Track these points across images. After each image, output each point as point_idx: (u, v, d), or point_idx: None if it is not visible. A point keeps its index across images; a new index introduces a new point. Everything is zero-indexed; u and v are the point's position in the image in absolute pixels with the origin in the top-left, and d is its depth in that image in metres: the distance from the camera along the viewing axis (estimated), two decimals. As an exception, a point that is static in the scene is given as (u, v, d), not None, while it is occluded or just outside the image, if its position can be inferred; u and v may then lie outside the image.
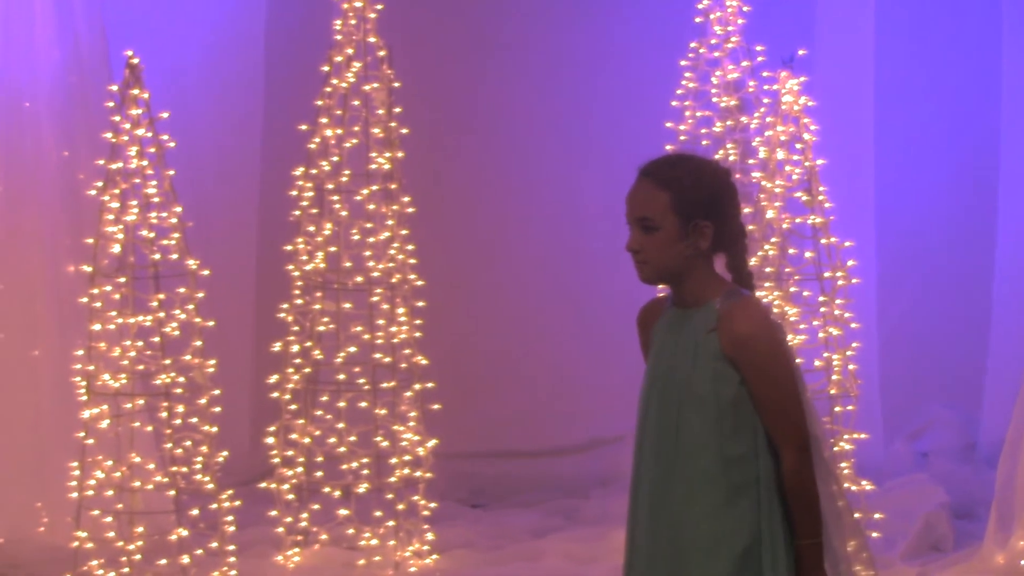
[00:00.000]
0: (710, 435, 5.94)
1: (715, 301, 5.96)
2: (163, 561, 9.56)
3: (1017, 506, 9.52)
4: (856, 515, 9.03)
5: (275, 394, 10.41)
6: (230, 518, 9.70)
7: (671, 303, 6.10)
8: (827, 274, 9.72)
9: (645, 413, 6.13)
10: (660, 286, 6.34)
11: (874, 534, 9.54)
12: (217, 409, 9.76)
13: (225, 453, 9.84)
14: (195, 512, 9.61)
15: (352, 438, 10.36)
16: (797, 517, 5.95)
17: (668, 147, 10.09)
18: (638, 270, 6.02)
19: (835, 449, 9.41)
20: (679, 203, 5.91)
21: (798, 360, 6.98)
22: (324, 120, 10.27)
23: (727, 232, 6.01)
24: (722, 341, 5.91)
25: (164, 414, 9.58)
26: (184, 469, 9.64)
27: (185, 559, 9.49)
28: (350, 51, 10.34)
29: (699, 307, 5.99)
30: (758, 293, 9.23)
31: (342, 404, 10.34)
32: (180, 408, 9.64)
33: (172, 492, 9.55)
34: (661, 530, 6.07)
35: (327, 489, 10.33)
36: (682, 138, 10.40)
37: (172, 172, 9.60)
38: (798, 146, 9.70)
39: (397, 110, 10.44)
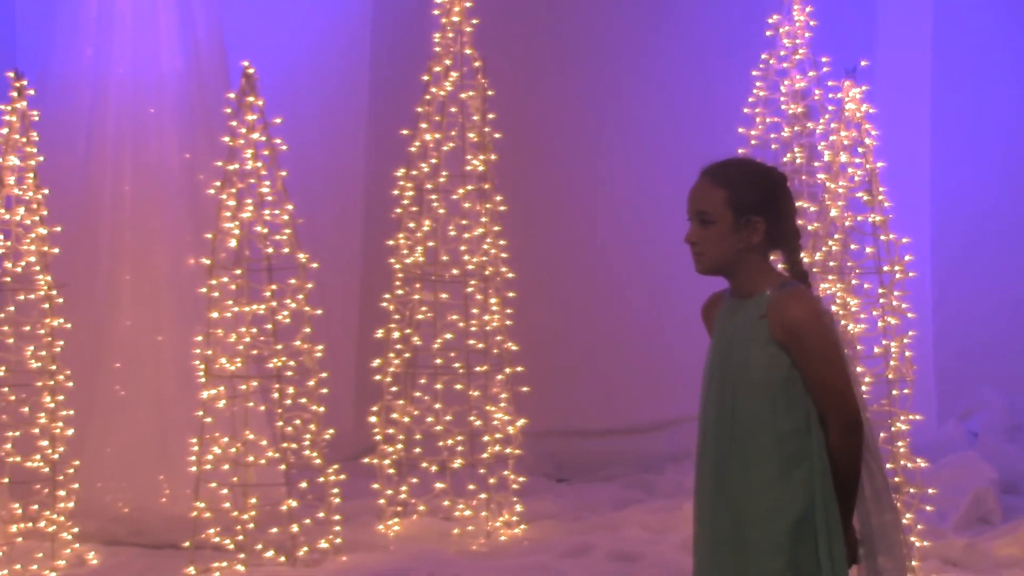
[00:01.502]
0: (764, 414, 6.04)
1: (768, 292, 6.06)
2: (274, 530, 9.64)
3: None
4: (911, 490, 9.29)
5: (377, 377, 10.50)
6: (336, 490, 9.85)
7: (729, 295, 6.23)
8: (886, 268, 9.64)
9: (706, 396, 6.24)
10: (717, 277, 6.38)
11: (928, 508, 9.50)
12: (324, 390, 9.89)
13: (331, 431, 10.00)
14: (304, 485, 9.81)
15: (448, 417, 10.45)
16: (841, 484, 6.08)
17: (740, 151, 10.23)
18: (695, 261, 6.13)
19: (892, 429, 9.44)
20: (733, 200, 6.02)
21: (859, 347, 7.14)
22: (424, 125, 10.34)
23: (780, 230, 6.10)
24: (772, 327, 6.00)
25: (276, 395, 9.76)
26: (294, 445, 9.81)
27: (294, 528, 9.58)
28: (448, 62, 10.40)
29: (752, 298, 6.10)
30: (823, 286, 9.30)
31: (439, 386, 10.46)
32: (290, 389, 9.78)
33: (283, 466, 9.68)
34: (722, 502, 6.17)
35: (424, 464, 10.41)
36: (753, 142, 10.42)
37: (284, 173, 9.75)
38: (860, 150, 9.67)
39: (491, 116, 10.49)
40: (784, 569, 6.09)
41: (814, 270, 9.09)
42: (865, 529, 6.30)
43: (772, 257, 6.21)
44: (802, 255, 6.23)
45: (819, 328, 6.01)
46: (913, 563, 6.97)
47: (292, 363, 9.87)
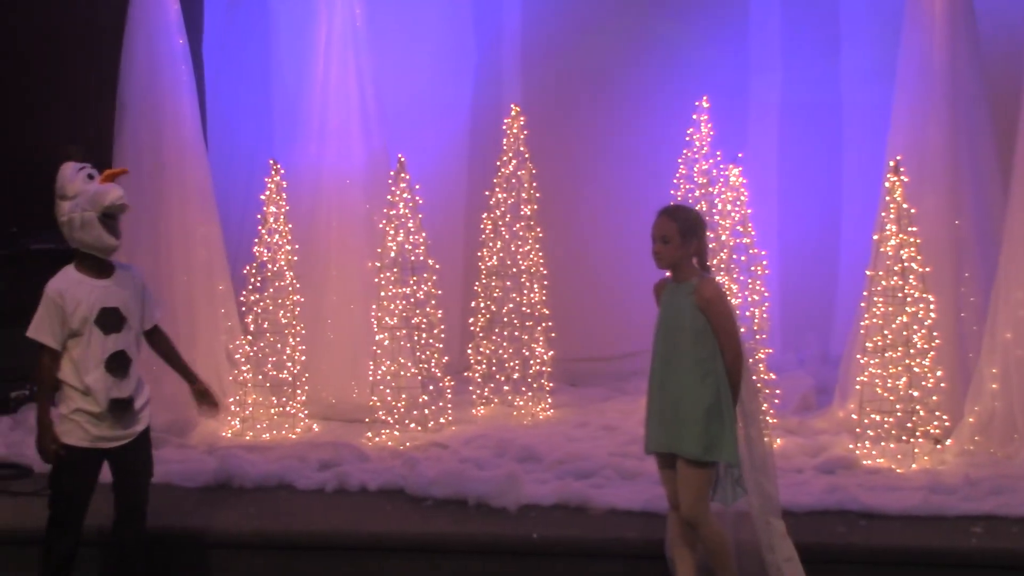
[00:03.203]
0: (689, 347, 6.59)
1: (693, 279, 6.63)
2: (414, 412, 9.89)
3: (848, 387, 9.58)
4: (766, 391, 9.39)
5: (472, 328, 10.67)
6: (448, 391, 10.15)
7: (671, 280, 6.74)
8: (752, 268, 9.80)
9: (657, 337, 6.77)
10: (667, 272, 6.74)
11: (776, 401, 9.70)
12: (442, 335, 10.12)
13: (446, 357, 10.23)
14: (431, 387, 9.99)
15: (510, 350, 10.51)
16: (732, 386, 6.59)
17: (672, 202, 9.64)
18: (657, 261, 6.67)
19: (756, 357, 9.42)
20: (681, 229, 6.58)
21: (737, 313, 7.26)
22: (497, 188, 10.58)
23: (700, 246, 6.66)
24: (696, 299, 6.55)
25: (415, 336, 9.96)
26: (424, 365, 10.00)
27: (426, 411, 9.92)
28: (511, 154, 10.61)
29: (685, 282, 6.64)
30: (718, 278, 9.21)
31: (505, 333, 10.52)
32: (424, 335, 9.99)
33: (419, 376, 9.95)
34: (666, 397, 6.69)
35: (498, 376, 10.57)
36: (679, 197, 10.17)
37: (421, 216, 10.00)
38: (738, 202, 9.78)
39: (534, 184, 10.50)
40: (702, 432, 6.54)
41: (714, 269, 8.88)
42: (748, 416, 6.67)
43: (694, 260, 6.68)
44: (708, 259, 6.77)
45: (721, 300, 6.57)
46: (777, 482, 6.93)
47: (424, 319, 9.97)
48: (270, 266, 10.03)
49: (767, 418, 8.57)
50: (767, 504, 6.68)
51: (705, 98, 10.28)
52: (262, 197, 10.12)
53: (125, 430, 6.74)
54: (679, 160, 10.32)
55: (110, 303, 6.68)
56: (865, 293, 9.13)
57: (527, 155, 10.57)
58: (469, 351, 10.70)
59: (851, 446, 9.09)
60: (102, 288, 6.68)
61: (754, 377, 6.75)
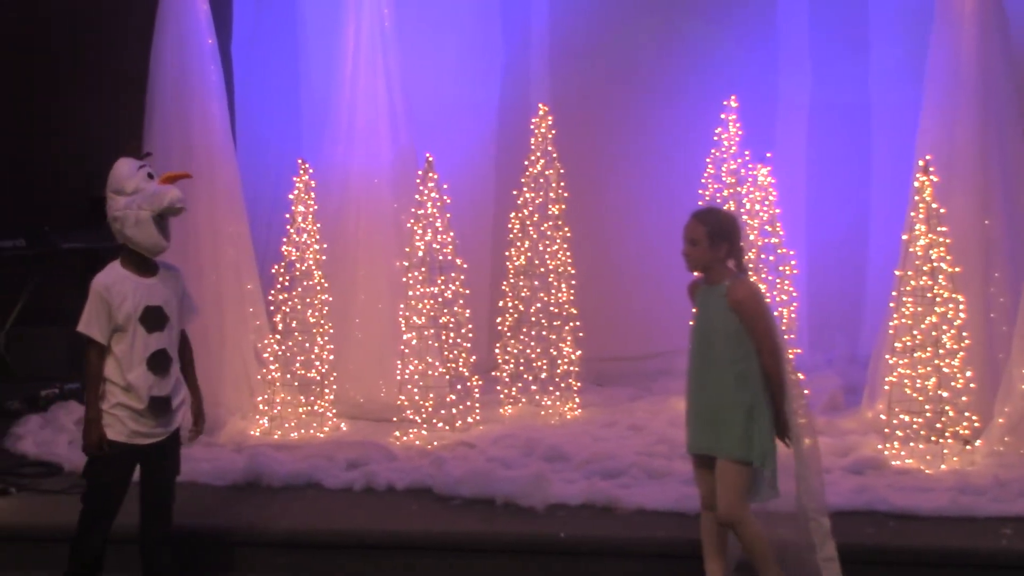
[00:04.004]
0: (725, 349, 6.57)
1: (726, 281, 6.58)
2: (442, 412, 9.85)
3: (877, 387, 9.48)
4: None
5: (500, 327, 10.68)
6: (476, 390, 10.11)
7: (704, 282, 6.69)
8: (780, 268, 9.97)
9: (693, 339, 6.74)
10: (698, 273, 6.71)
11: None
12: (470, 335, 10.09)
13: (474, 356, 10.19)
14: (458, 386, 9.96)
15: (538, 350, 10.54)
16: (772, 388, 6.55)
17: (700, 202, 10.06)
18: (688, 264, 6.66)
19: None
20: (710, 232, 6.56)
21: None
22: (525, 188, 10.56)
23: (733, 248, 6.63)
24: (729, 302, 6.52)
25: (443, 336, 9.94)
26: (452, 364, 9.96)
27: (453, 410, 9.90)
28: (539, 153, 10.59)
29: (718, 284, 6.59)
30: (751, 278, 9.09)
31: (533, 332, 10.53)
32: (452, 334, 9.97)
33: (447, 376, 9.91)
34: (704, 399, 6.69)
35: (525, 376, 10.49)
36: (707, 197, 10.19)
37: (448, 215, 9.98)
38: (766, 203, 9.98)
39: (562, 184, 10.50)
40: (742, 434, 6.51)
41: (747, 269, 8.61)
42: (799, 450, 6.58)
43: (730, 263, 6.63)
44: (744, 260, 6.72)
45: (753, 300, 6.52)
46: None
47: (452, 319, 9.94)
48: (298, 265, 10.03)
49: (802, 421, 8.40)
50: (812, 502, 6.64)
51: (733, 97, 10.30)
52: (290, 196, 10.13)
53: (162, 428, 6.79)
54: (707, 160, 10.32)
55: (154, 301, 6.73)
56: (894, 293, 9.10)
57: (555, 154, 10.56)
58: (497, 350, 10.68)
59: (880, 447, 9.04)
60: (147, 286, 6.72)
61: (792, 377, 6.64)
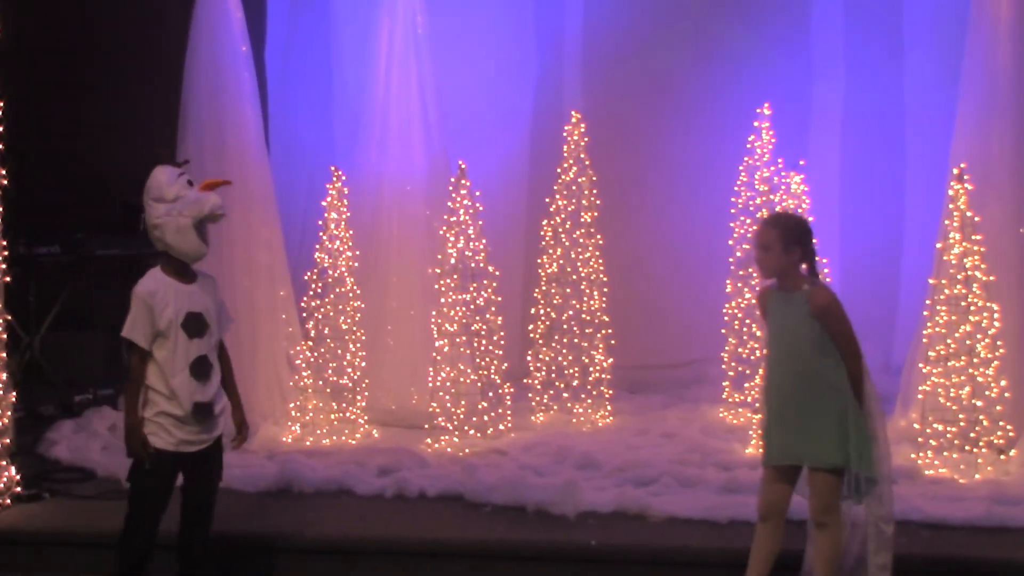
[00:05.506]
0: (812, 355, 6.48)
1: (805, 287, 6.51)
2: (473, 419, 9.87)
3: (910, 396, 9.41)
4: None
5: (532, 335, 10.62)
6: (508, 397, 10.12)
7: (777, 288, 6.60)
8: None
9: (772, 348, 6.64)
10: (769, 280, 6.67)
11: None
12: (502, 342, 9.99)
13: (506, 364, 10.14)
14: (490, 394, 9.98)
15: (570, 357, 10.50)
16: (855, 391, 6.46)
17: (736, 210, 10.25)
18: (760, 270, 6.64)
19: None
20: (782, 237, 6.50)
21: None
22: (557, 195, 10.62)
23: (806, 253, 6.56)
24: (811, 308, 6.44)
25: (475, 343, 9.93)
26: (484, 372, 9.97)
27: (485, 417, 9.92)
28: (571, 161, 10.63)
29: (795, 291, 6.52)
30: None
31: (565, 340, 10.56)
32: (484, 341, 9.90)
33: (479, 383, 9.92)
34: (790, 407, 6.55)
35: (557, 383, 10.57)
36: (739, 205, 10.17)
37: (481, 222, 9.98)
38: (799, 210, 9.73)
39: (595, 192, 10.53)
40: (839, 441, 6.43)
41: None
42: (882, 469, 6.52)
43: (803, 267, 6.56)
44: (816, 265, 6.57)
45: (836, 306, 6.47)
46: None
47: (484, 326, 9.94)
48: (331, 272, 10.06)
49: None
50: (880, 508, 6.61)
51: (767, 105, 10.29)
52: (323, 203, 10.14)
53: (206, 435, 6.80)
54: (740, 167, 10.33)
55: (195, 308, 6.75)
56: (928, 302, 9.06)
57: (587, 162, 10.58)
58: (529, 358, 10.69)
59: (913, 456, 9.01)
60: (188, 293, 6.74)
61: (871, 382, 6.62)
